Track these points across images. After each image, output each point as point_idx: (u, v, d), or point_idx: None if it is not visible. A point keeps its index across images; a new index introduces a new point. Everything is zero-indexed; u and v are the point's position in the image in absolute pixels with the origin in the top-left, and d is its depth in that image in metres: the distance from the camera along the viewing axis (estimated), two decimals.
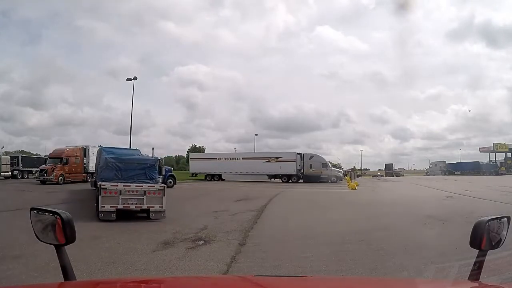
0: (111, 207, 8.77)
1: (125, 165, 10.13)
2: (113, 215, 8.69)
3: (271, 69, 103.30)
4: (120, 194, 8.96)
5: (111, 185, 9.15)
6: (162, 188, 9.31)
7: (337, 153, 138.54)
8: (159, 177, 19.83)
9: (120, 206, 8.85)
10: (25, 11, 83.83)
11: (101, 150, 12.88)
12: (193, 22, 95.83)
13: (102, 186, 9.06)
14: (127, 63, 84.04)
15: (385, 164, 70.79)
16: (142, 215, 9.07)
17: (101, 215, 8.73)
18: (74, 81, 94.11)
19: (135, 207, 9.02)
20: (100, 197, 8.85)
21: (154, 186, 9.34)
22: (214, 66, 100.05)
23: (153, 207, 8.95)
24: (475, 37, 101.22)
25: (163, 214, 9.00)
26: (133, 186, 9.20)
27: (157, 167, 21.35)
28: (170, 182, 22.65)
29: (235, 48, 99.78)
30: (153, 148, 20.91)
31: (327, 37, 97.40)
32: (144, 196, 9.01)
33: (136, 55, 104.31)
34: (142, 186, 9.23)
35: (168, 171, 23.33)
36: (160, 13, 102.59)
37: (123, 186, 9.14)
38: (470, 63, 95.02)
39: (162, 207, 9.01)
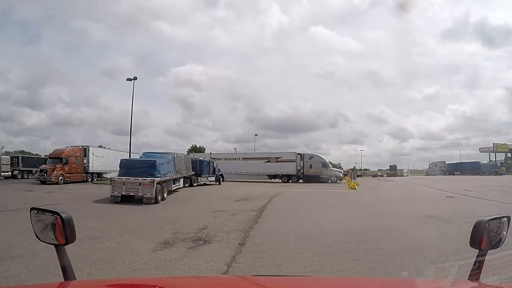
0: (117, 193, 12.89)
1: (132, 165, 14.12)
2: (119, 198, 12.78)
3: (268, 69, 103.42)
4: (124, 184, 12.92)
5: (117, 178, 13.33)
6: (152, 181, 12.76)
7: (336, 153, 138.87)
8: (213, 175, 26.43)
9: (124, 193, 12.83)
10: (23, 12, 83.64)
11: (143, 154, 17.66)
12: (188, 23, 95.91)
13: (112, 179, 13.58)
14: (124, 63, 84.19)
15: (390, 166, 77.31)
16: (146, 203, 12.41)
17: (112, 198, 12.88)
18: (71, 82, 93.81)
19: (134, 193, 12.78)
20: (111, 186, 13.19)
21: (146, 180, 12.79)
22: (211, 66, 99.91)
23: (146, 194, 12.60)
24: (471, 36, 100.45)
25: (153, 200, 12.48)
26: (132, 179, 12.93)
27: (212, 168, 26.80)
28: (221, 179, 27.74)
29: (231, 48, 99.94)
30: (210, 152, 26.41)
31: (323, 37, 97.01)
32: (140, 187, 12.72)
33: (132, 56, 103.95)
34: (138, 179, 12.84)
35: (219, 171, 27.98)
36: (155, 14, 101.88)
37: (125, 179, 13.04)
38: (467, 63, 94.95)
39: (152, 195, 12.57)
